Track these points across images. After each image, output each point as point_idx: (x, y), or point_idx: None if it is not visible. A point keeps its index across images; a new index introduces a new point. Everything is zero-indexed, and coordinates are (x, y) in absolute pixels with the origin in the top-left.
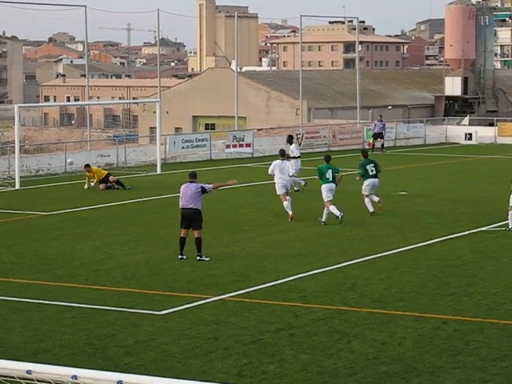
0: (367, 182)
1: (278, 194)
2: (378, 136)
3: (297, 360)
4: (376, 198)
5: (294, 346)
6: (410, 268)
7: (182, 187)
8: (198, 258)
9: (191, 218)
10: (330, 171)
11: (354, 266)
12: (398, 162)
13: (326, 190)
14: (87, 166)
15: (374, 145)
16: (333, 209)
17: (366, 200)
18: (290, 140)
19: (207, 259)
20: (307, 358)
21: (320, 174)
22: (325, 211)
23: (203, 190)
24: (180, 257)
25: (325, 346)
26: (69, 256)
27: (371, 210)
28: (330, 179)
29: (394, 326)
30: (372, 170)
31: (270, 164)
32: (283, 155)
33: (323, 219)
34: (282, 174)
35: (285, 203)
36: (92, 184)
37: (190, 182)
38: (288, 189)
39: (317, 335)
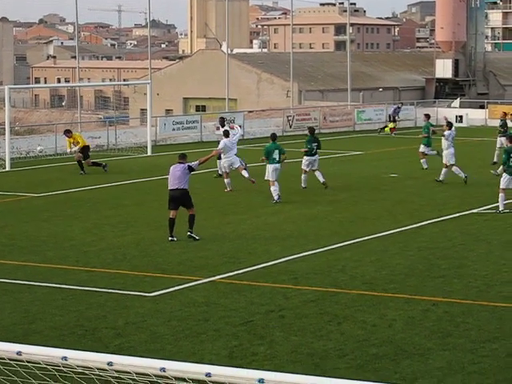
0: (307, 158)
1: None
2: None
3: (287, 342)
4: (321, 179)
5: (285, 327)
6: (400, 250)
7: (171, 168)
8: (188, 233)
9: (181, 199)
10: (276, 151)
11: (344, 248)
12: (388, 145)
13: (271, 170)
14: (67, 131)
15: (395, 128)
16: (274, 189)
17: (304, 176)
18: (222, 123)
19: (197, 238)
20: (297, 339)
21: (267, 154)
22: (272, 190)
23: (190, 169)
24: (170, 239)
25: (315, 327)
26: (59, 237)
27: (303, 185)
28: (277, 159)
29: (384, 308)
30: (314, 149)
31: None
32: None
33: (276, 198)
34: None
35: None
36: (76, 148)
37: (179, 163)
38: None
39: (307, 317)
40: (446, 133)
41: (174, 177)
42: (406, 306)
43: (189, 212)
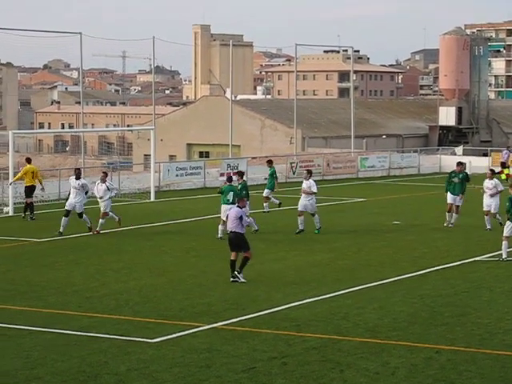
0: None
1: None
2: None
3: None
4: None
5: (287, 374)
6: (403, 297)
7: (229, 211)
8: (236, 272)
9: (235, 241)
10: (231, 193)
11: (347, 295)
12: (391, 192)
13: (223, 210)
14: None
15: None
16: (221, 227)
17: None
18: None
19: (243, 280)
20: None
21: (221, 193)
22: (219, 227)
23: (241, 218)
24: (232, 279)
25: (317, 375)
26: (61, 283)
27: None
28: (230, 200)
29: (387, 355)
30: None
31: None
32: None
33: (219, 235)
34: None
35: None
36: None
37: (237, 206)
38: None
39: (310, 364)
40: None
41: (231, 220)
42: (409, 353)
43: (244, 254)
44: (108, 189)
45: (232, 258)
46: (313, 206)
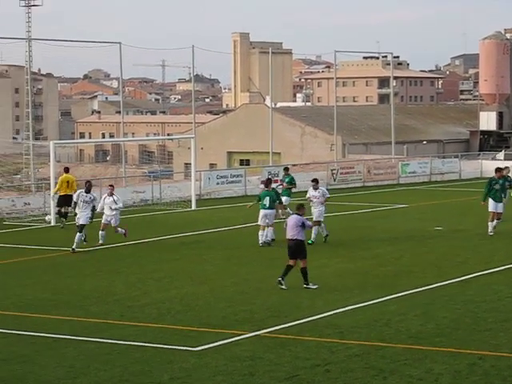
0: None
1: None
2: None
3: None
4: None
5: (330, 382)
6: (445, 303)
7: (288, 219)
8: (304, 286)
9: (294, 249)
10: (267, 198)
11: (389, 301)
12: (433, 198)
13: (260, 216)
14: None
15: None
16: (261, 233)
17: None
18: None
19: (314, 287)
20: None
21: (259, 200)
22: (260, 233)
23: (303, 225)
24: (279, 279)
25: (361, 382)
26: (103, 292)
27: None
28: (267, 205)
29: (430, 361)
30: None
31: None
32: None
33: (260, 242)
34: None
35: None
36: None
37: (296, 214)
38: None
39: (353, 371)
40: None
41: (290, 227)
42: (453, 359)
43: (300, 264)
44: (115, 202)
45: (289, 264)
46: (321, 214)
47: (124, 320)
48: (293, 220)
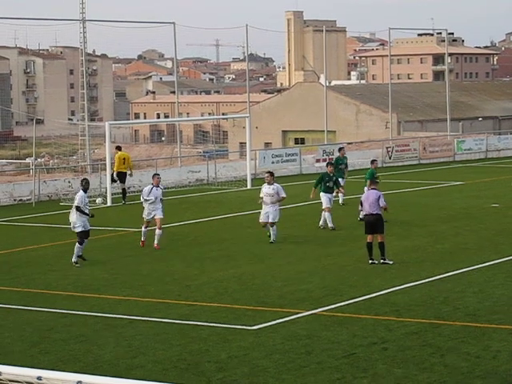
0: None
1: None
2: None
3: (390, 374)
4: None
5: (387, 360)
6: (503, 280)
7: (365, 195)
8: (381, 261)
9: (373, 223)
10: (331, 182)
11: (446, 279)
12: (489, 174)
13: (326, 200)
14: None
15: None
16: (328, 216)
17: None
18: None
19: (391, 262)
20: (401, 372)
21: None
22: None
23: (379, 199)
24: (370, 261)
25: (418, 360)
26: (161, 272)
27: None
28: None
29: (487, 339)
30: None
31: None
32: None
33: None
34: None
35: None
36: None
37: (372, 188)
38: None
39: (410, 349)
40: None
41: (368, 202)
42: (511, 336)
43: (378, 239)
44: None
45: (368, 241)
46: (276, 215)
47: (181, 299)
48: (372, 195)
